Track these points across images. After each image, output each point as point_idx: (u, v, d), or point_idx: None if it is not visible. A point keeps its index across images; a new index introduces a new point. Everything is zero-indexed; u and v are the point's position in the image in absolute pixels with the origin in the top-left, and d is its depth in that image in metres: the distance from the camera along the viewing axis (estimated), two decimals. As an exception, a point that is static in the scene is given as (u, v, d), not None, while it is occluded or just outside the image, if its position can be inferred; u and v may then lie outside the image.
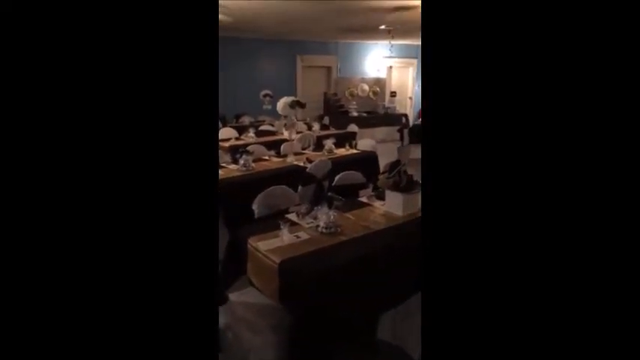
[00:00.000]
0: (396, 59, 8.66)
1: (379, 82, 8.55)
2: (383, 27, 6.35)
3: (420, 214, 1.94)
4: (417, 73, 9.02)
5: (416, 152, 6.49)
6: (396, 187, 1.95)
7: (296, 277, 1.44)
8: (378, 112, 8.15)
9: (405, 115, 8.26)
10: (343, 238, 1.67)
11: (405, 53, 8.64)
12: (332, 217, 1.72)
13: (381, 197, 2.11)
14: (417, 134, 6.36)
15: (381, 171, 2.15)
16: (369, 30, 6.55)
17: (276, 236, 1.64)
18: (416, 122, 7.26)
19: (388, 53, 7.30)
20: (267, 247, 1.57)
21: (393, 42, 7.01)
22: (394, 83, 8.98)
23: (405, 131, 6.49)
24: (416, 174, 2.95)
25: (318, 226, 1.73)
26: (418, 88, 9.10)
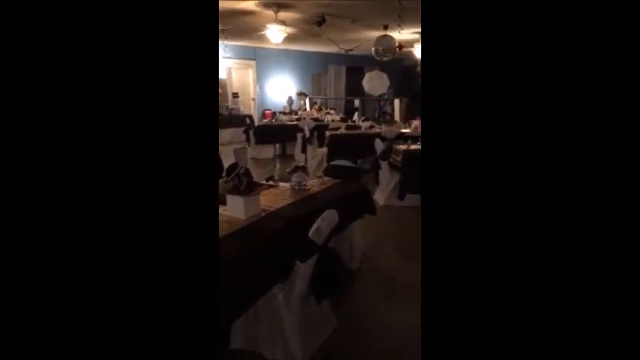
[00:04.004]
0: (235, 60, 8.61)
1: (220, 83, 8.34)
2: (215, 27, 6.17)
3: (263, 214, 1.97)
4: (257, 74, 9.18)
5: (261, 152, 6.62)
6: (237, 191, 1.92)
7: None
8: (222, 114, 7.95)
9: (250, 116, 8.32)
10: (182, 253, 1.54)
11: (242, 54, 8.66)
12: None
13: (223, 202, 2.04)
14: (263, 135, 6.50)
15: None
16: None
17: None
18: (260, 123, 7.39)
19: (224, 53, 7.18)
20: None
21: (227, 42, 6.92)
22: (235, 84, 8.92)
23: (251, 132, 6.54)
24: (260, 174, 2.99)
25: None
26: (260, 90, 9.28)
